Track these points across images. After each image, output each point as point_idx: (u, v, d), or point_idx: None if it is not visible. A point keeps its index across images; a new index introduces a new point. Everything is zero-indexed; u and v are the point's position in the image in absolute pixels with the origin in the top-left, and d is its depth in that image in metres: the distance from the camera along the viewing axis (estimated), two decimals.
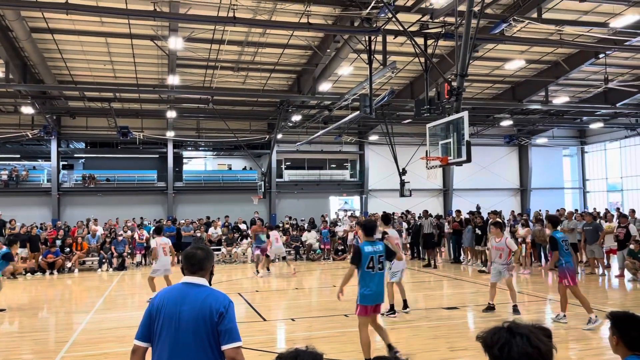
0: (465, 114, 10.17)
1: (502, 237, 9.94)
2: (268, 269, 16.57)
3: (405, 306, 9.86)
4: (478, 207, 24.03)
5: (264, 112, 26.98)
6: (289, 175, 31.77)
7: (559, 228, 9.44)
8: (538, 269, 15.89)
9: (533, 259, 16.78)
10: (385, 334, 6.78)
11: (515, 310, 9.53)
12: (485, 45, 18.23)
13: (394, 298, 9.66)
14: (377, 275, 6.42)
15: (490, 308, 9.73)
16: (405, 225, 20.63)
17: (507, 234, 12.95)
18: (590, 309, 8.48)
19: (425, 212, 19.69)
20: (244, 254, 20.51)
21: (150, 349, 3.14)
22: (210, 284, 3.31)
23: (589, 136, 35.37)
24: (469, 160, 10.19)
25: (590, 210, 24.57)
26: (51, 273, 17.04)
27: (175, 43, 16.06)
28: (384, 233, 9.04)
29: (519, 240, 16.53)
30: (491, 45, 18.77)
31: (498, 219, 13.26)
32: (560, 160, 35.97)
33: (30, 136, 24.96)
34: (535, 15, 14.79)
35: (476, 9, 11.20)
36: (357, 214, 30.09)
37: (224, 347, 2.97)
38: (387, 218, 9.49)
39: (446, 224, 19.39)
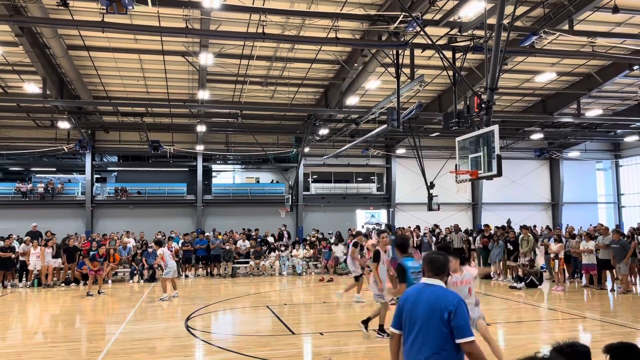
0: (495, 128, 10.06)
1: (460, 270, 7.10)
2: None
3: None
4: (509, 222, 23.57)
5: (291, 126, 27.19)
6: (315, 188, 31.85)
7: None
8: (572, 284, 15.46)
9: (567, 275, 16.34)
10: None
11: None
12: (515, 57, 18.04)
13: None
14: None
15: None
16: (434, 239, 20.39)
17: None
18: None
19: (456, 226, 19.44)
20: (271, 266, 20.56)
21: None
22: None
23: (623, 149, 34.42)
24: (499, 174, 10.05)
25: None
26: (85, 284, 17.41)
27: (206, 59, 16.42)
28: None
29: (552, 256, 16.11)
30: (521, 58, 18.54)
31: (459, 247, 11.17)
32: (594, 174, 35.06)
33: (66, 150, 25.72)
34: (566, 27, 14.59)
35: (506, 21, 11.13)
36: (383, 227, 29.88)
37: (457, 341, 3.42)
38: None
39: (477, 238, 19.08)
